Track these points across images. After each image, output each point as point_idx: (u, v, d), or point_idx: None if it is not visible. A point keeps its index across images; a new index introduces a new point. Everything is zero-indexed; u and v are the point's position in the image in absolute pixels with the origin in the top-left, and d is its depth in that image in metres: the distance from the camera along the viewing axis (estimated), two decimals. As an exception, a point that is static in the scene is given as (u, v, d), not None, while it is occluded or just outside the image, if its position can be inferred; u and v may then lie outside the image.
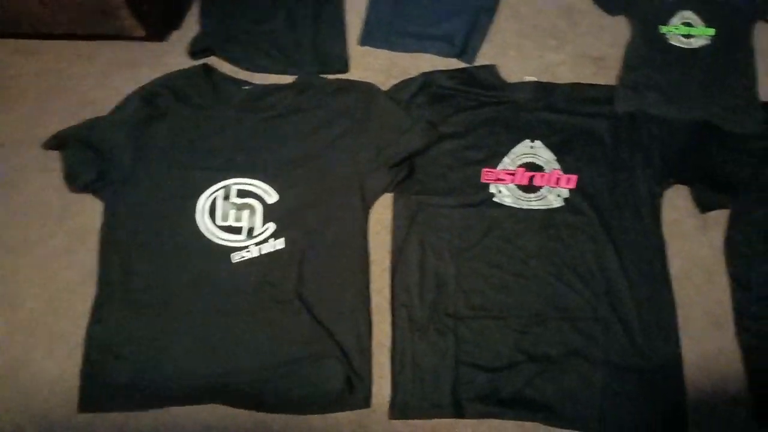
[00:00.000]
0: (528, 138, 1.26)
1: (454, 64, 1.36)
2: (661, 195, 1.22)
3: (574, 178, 1.23)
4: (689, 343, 1.13)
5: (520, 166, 1.25)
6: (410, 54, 1.38)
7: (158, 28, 1.42)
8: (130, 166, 1.21)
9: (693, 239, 1.21)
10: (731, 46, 1.34)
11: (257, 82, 1.33)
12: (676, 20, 1.37)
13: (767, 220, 1.18)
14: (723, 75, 1.31)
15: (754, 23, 1.38)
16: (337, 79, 1.34)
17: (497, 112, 1.29)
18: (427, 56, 1.37)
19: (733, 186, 1.20)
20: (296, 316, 1.14)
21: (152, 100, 1.27)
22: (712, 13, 1.37)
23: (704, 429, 1.05)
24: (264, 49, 1.38)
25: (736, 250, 1.19)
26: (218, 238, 1.19)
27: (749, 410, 1.07)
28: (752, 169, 1.21)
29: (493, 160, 1.25)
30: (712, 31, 1.35)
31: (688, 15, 1.37)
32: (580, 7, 1.40)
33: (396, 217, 1.24)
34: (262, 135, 1.26)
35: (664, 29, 1.36)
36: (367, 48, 1.40)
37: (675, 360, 1.11)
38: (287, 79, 1.33)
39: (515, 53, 1.37)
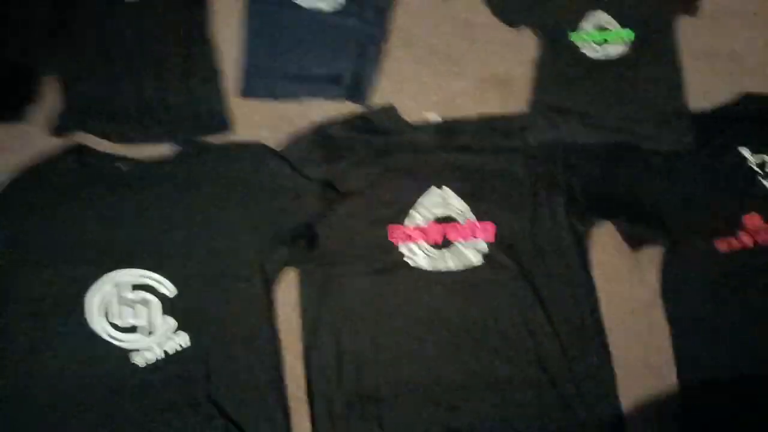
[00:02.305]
0: (436, 186, 1.26)
1: (348, 106, 1.33)
2: (587, 234, 1.23)
3: (491, 227, 1.23)
4: (629, 397, 1.15)
5: (431, 219, 1.24)
6: (298, 101, 1.35)
7: (16, 107, 1.38)
8: (6, 272, 1.19)
9: (626, 281, 1.22)
10: (653, 49, 1.32)
11: (134, 155, 1.30)
12: (587, 25, 1.34)
13: (701, 254, 1.19)
14: (646, 85, 1.30)
15: (677, 19, 1.35)
16: (222, 144, 1.32)
17: (400, 160, 1.28)
18: (318, 102, 1.35)
19: (664, 217, 1.21)
20: (210, 421, 1.15)
21: (21, 194, 1.25)
22: (630, 13, 1.34)
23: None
24: (134, 118, 1.34)
25: (672, 288, 1.19)
26: (116, 339, 1.18)
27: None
28: (683, 196, 1.21)
29: (401, 215, 1.25)
30: (630, 34, 1.33)
31: (601, 16, 1.35)
32: (479, 21, 1.36)
33: (303, 294, 1.24)
34: (147, 219, 1.25)
35: (574, 37, 1.33)
36: (248, 100, 1.36)
37: (616, 420, 1.14)
38: (165, 148, 1.31)
39: (412, 86, 1.34)
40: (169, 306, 1.20)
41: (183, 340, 1.19)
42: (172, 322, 1.19)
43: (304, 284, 1.24)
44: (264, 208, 1.23)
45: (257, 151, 1.28)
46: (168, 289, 1.21)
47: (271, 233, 1.22)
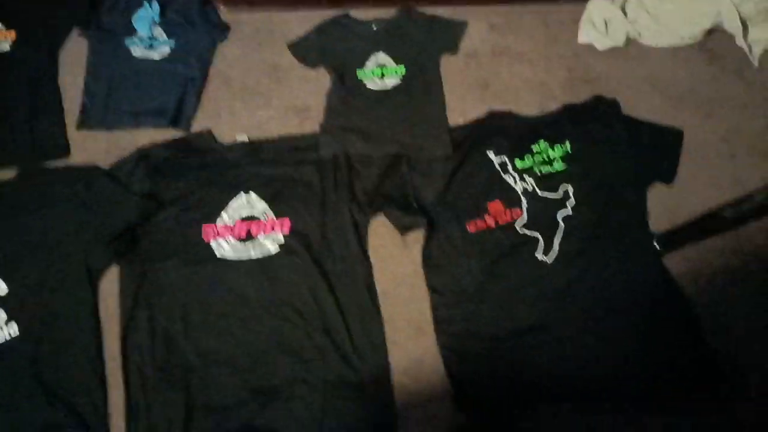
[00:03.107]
0: (243, 192, 1.53)
1: (173, 134, 1.62)
2: (366, 225, 1.52)
3: (287, 222, 1.50)
4: (398, 351, 1.40)
5: (238, 219, 1.51)
6: (129, 131, 1.64)
7: None
8: None
9: (396, 259, 1.50)
10: (421, 81, 1.69)
11: (-23, 178, 1.53)
12: (370, 64, 1.71)
13: (454, 234, 1.48)
14: (415, 108, 1.65)
15: (440, 57, 1.73)
16: (60, 167, 1.57)
17: (213, 173, 1.56)
18: (147, 131, 1.63)
19: (425, 207, 1.52)
20: (35, 398, 1.33)
21: None
22: (403, 53, 1.72)
23: (418, 424, 1.32)
24: (-17, 148, 1.59)
25: (431, 263, 1.48)
26: (-48, 333, 1.35)
27: (453, 401, 1.35)
28: (439, 191, 1.53)
29: (212, 217, 1.51)
30: (403, 70, 1.70)
31: (382, 57, 1.72)
32: (284, 64, 1.72)
33: (122, 286, 1.46)
34: (-13, 231, 1.45)
35: (360, 74, 1.69)
36: (85, 131, 1.64)
37: (383, 369, 1.38)
38: (12, 172, 1.54)
39: (227, 115, 1.66)
40: (2, 302, 1.39)
41: (12, 330, 1.38)
42: (3, 316, 1.39)
43: (125, 278, 1.46)
44: (91, 216, 1.47)
45: (89, 171, 1.54)
46: (2, 288, 1.41)
47: (95, 237, 1.45)
